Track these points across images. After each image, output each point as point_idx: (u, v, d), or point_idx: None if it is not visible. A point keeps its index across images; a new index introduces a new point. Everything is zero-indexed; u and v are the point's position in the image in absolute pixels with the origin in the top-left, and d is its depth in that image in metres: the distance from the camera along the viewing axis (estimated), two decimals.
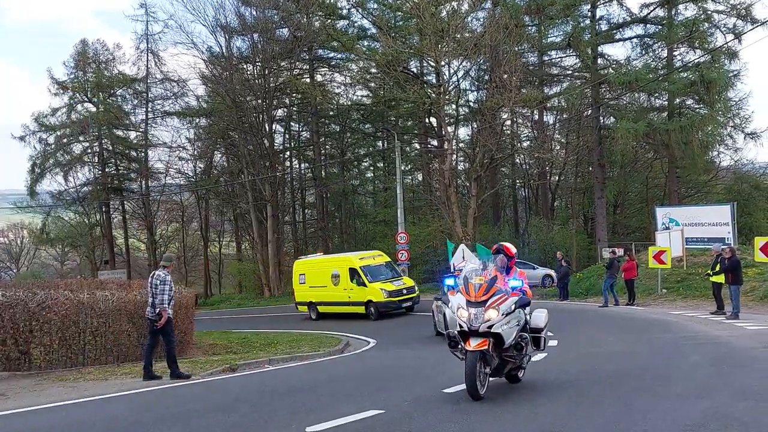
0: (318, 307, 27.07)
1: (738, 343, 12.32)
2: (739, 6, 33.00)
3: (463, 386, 8.61)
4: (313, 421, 6.81)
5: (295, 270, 28.77)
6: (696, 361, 10.38)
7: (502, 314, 7.56)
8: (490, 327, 7.47)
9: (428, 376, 9.67)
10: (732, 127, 36.87)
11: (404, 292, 25.21)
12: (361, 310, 25.18)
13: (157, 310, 11.08)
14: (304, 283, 27.87)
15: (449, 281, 8.86)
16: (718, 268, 17.38)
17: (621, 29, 36.84)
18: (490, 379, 8.00)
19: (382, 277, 25.37)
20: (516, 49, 34.38)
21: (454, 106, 39.01)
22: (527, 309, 8.37)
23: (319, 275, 27.12)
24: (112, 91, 48.62)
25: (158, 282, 11.14)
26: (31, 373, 12.17)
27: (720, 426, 6.18)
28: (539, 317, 8.62)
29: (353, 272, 25.59)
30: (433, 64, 35.77)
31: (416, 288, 26.36)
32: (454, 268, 17.83)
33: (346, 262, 26.43)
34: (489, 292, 7.66)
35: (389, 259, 27.50)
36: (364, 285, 25.08)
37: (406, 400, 8.06)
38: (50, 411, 8.65)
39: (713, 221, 27.19)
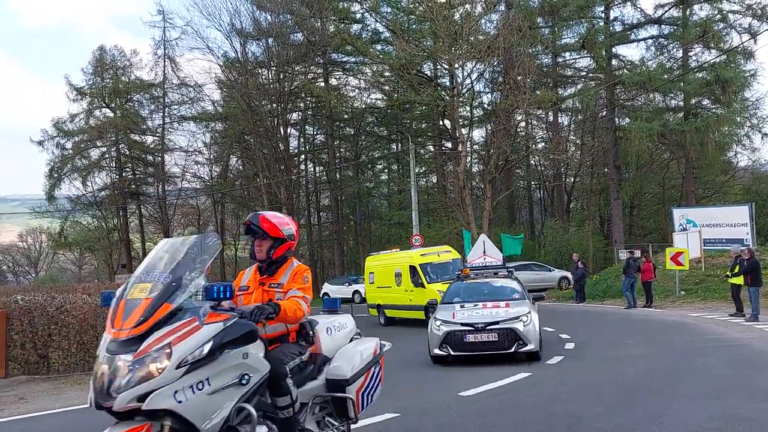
0: (385, 310, 23.41)
1: (758, 346, 12.20)
2: (754, 6, 32.75)
3: (481, 389, 8.61)
4: None
5: (366, 268, 25.61)
6: (714, 363, 10.29)
7: (179, 364, 3.60)
8: (143, 398, 3.49)
9: (444, 379, 9.67)
10: (749, 127, 36.63)
11: None
12: (421, 315, 20.21)
13: None
14: (373, 282, 24.56)
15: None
16: (737, 270, 17.20)
17: (635, 30, 36.65)
18: None
19: (447, 277, 20.23)
20: (530, 50, 34.26)
21: (468, 108, 38.94)
22: (329, 341, 4.92)
23: (385, 274, 23.50)
24: (129, 97, 49.13)
25: None
26: (49, 377, 12.30)
27: (737, 428, 6.13)
28: (348, 357, 4.89)
29: (413, 270, 21.69)
30: (446, 66, 35.75)
31: None
32: (464, 266, 15.91)
33: (407, 259, 22.59)
34: (152, 317, 3.69)
35: (458, 256, 23.08)
36: (423, 286, 20.93)
37: (421, 403, 8.06)
38: (69, 414, 8.74)
39: (731, 222, 26.93)
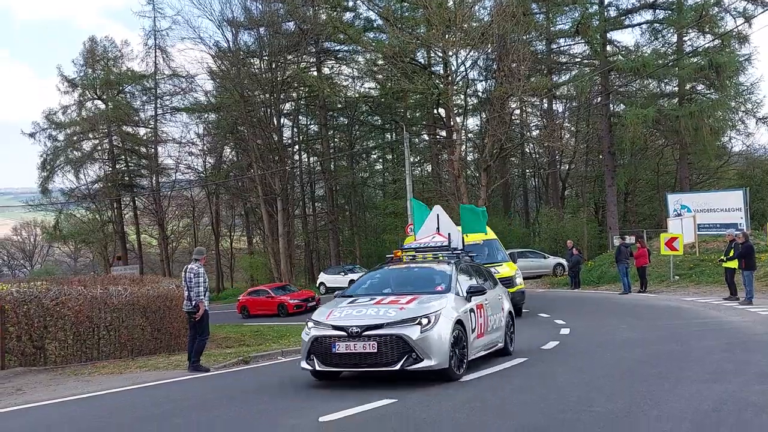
0: None
1: (752, 329, 12.28)
2: None
3: (477, 374, 8.65)
4: (326, 410, 6.85)
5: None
6: (709, 347, 10.34)
7: None
8: None
9: None
10: (743, 112, 36.60)
11: None
12: None
13: (194, 303, 11.19)
14: None
15: None
16: (731, 254, 17.29)
17: (630, 15, 36.51)
18: None
19: (482, 261, 15.86)
20: (524, 37, 34.15)
21: (462, 97, 38.86)
22: None
23: None
24: (121, 88, 48.85)
25: (192, 275, 11.25)
26: (46, 368, 12.28)
27: (735, 410, 6.17)
28: None
29: None
30: (440, 54, 35.58)
31: (519, 278, 18.40)
32: (400, 247, 12.76)
33: None
34: None
35: (495, 236, 19.94)
36: None
37: (418, 389, 8.07)
38: (66, 405, 8.74)
39: (725, 207, 27.01)
